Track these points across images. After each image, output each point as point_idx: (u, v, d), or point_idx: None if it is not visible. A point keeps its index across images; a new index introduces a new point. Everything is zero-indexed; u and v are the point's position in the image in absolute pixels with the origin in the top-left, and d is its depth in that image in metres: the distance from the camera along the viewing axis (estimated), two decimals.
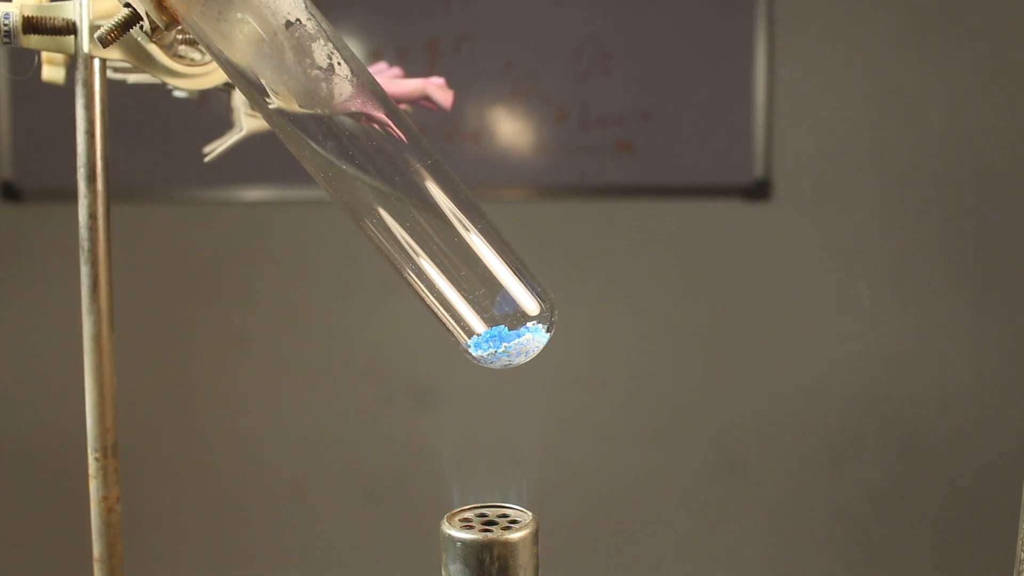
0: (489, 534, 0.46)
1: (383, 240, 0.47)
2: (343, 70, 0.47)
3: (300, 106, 0.46)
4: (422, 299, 0.47)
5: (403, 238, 0.46)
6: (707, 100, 1.82)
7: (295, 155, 0.48)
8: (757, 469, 1.89)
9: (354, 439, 1.91)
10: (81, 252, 0.57)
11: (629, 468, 1.90)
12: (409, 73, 0.71)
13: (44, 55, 0.62)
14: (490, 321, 0.46)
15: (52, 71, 0.63)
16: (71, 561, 1.85)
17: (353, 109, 0.46)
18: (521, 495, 0.51)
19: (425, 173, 0.47)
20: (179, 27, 0.50)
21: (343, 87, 0.46)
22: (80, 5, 0.55)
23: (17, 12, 0.54)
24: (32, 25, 0.54)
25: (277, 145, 0.51)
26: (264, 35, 0.46)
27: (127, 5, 0.49)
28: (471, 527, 0.47)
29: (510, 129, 1.84)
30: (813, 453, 1.88)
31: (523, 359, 0.47)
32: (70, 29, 0.55)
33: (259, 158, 1.80)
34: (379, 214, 0.46)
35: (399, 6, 1.83)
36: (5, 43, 0.54)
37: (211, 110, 1.73)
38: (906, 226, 1.84)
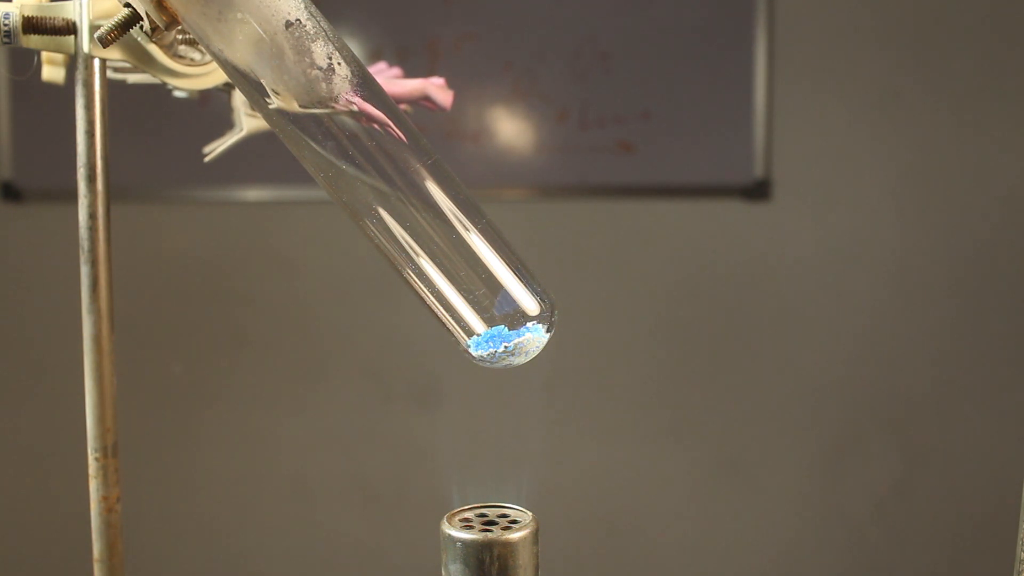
0: (489, 534, 0.46)
1: (383, 240, 0.47)
2: (343, 70, 0.47)
3: (300, 106, 0.46)
4: (422, 299, 0.47)
5: (403, 238, 0.46)
6: (707, 100, 1.82)
7: (295, 155, 0.48)
8: (757, 469, 1.89)
9: (354, 439, 1.91)
10: (81, 252, 0.57)
11: (629, 468, 1.90)
12: (409, 73, 0.71)
13: (44, 55, 0.62)
14: (490, 321, 0.46)
15: (52, 71, 0.63)
16: (71, 561, 1.85)
17: (353, 109, 0.46)
18: (521, 495, 0.51)
19: (425, 173, 0.47)
20: (179, 27, 0.50)
21: (343, 87, 0.46)
22: (80, 5, 0.55)
23: (17, 12, 0.54)
24: (32, 25, 0.54)
25: (277, 145, 0.51)
26: (264, 35, 0.46)
27: (127, 5, 0.49)
28: (471, 527, 0.47)
29: (510, 129, 1.84)
30: (813, 453, 1.88)
31: (523, 359, 0.47)
32: (70, 29, 0.55)
33: (259, 158, 1.80)
34: (379, 214, 0.46)
35: (399, 6, 1.83)
36: (5, 43, 0.54)
37: (211, 110, 1.73)
38: (906, 226, 1.84)
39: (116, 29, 0.49)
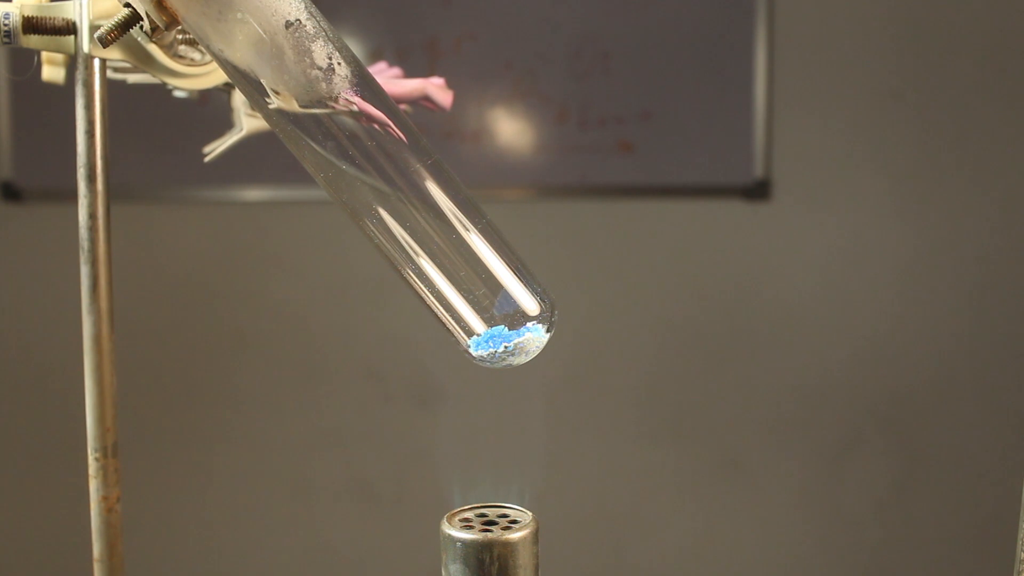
0: (489, 534, 0.46)
1: (383, 240, 0.47)
2: (343, 70, 0.47)
3: (300, 106, 0.46)
4: (422, 299, 0.47)
5: (403, 238, 0.46)
6: (707, 100, 1.82)
7: (295, 155, 0.48)
8: (757, 469, 1.89)
9: (354, 439, 1.91)
10: (81, 252, 0.57)
11: (629, 468, 1.90)
12: (409, 73, 0.71)
13: (44, 55, 0.62)
14: (490, 321, 0.46)
15: (52, 71, 0.63)
16: (71, 561, 1.85)
17: (353, 109, 0.46)
18: (521, 495, 0.51)
19: (425, 173, 0.47)
20: (179, 27, 0.50)
21: (343, 87, 0.46)
22: (80, 5, 0.55)
23: (17, 12, 0.54)
24: (32, 25, 0.54)
25: (277, 145, 0.51)
26: (264, 35, 0.46)
27: (127, 5, 0.49)
28: (471, 527, 0.47)
29: (510, 129, 1.84)
30: (813, 453, 1.88)
31: (523, 359, 0.47)
32: (70, 29, 0.55)
33: (259, 158, 1.80)
34: (379, 214, 0.46)
35: (399, 6, 1.83)
36: (5, 43, 0.54)
37: (211, 110, 1.73)
38: (905, 226, 1.84)
39: (116, 29, 0.49)
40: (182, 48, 0.60)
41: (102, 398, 0.58)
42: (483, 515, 0.49)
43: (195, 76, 0.61)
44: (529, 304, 0.46)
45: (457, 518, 0.48)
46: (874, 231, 1.84)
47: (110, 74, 0.62)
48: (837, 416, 1.87)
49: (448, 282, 0.46)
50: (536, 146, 1.84)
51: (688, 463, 1.89)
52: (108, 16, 0.54)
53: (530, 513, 0.49)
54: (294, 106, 0.46)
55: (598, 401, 1.90)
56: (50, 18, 0.55)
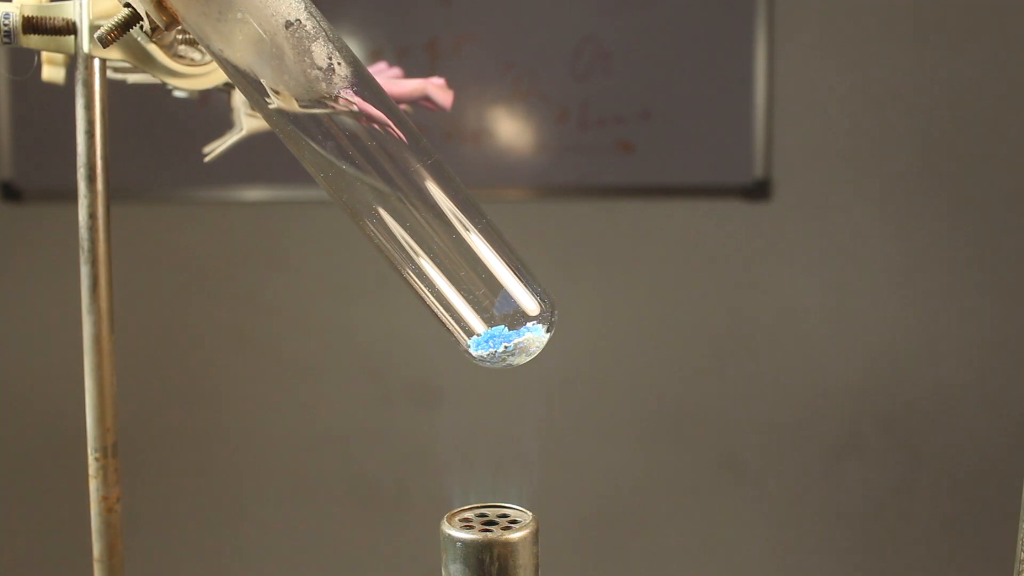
0: (489, 534, 0.46)
1: (383, 240, 0.47)
2: (343, 70, 0.47)
3: (300, 106, 0.46)
4: (422, 299, 0.47)
5: (403, 238, 0.46)
6: (707, 100, 1.82)
7: (295, 155, 0.48)
8: (757, 469, 1.89)
9: (354, 439, 1.91)
10: (81, 252, 0.57)
11: (629, 468, 1.90)
12: (409, 73, 0.71)
13: (44, 55, 0.62)
14: (490, 321, 0.46)
15: (52, 71, 0.63)
16: (71, 561, 1.85)
17: (353, 109, 0.46)
18: (521, 495, 0.51)
19: (425, 173, 0.47)
20: (179, 27, 0.50)
21: (342, 87, 0.46)
22: (80, 5, 0.55)
23: (17, 12, 0.54)
24: (32, 25, 0.54)
25: (277, 145, 0.51)
26: (264, 35, 0.46)
27: (127, 5, 0.49)
28: (471, 527, 0.47)
29: (510, 129, 1.84)
30: (813, 453, 1.88)
31: (523, 359, 0.47)
32: (70, 29, 0.55)
33: (259, 158, 1.80)
34: (379, 214, 0.46)
35: (399, 6, 1.83)
36: (5, 43, 0.54)
37: (211, 110, 1.73)
38: (906, 226, 1.84)
39: (116, 29, 0.49)
40: (182, 48, 0.60)
41: (102, 398, 0.58)
42: (483, 515, 0.49)
43: (195, 76, 0.61)
44: (529, 304, 0.46)
45: (457, 518, 0.48)
46: (874, 231, 1.84)
47: (110, 74, 0.62)
48: (837, 416, 1.88)
49: (448, 282, 0.46)
50: (536, 146, 1.84)
51: (688, 463, 1.89)
52: (108, 16, 0.54)
53: (530, 513, 0.49)
54: (294, 106, 0.46)
55: (598, 401, 1.90)
56: (50, 18, 0.55)
